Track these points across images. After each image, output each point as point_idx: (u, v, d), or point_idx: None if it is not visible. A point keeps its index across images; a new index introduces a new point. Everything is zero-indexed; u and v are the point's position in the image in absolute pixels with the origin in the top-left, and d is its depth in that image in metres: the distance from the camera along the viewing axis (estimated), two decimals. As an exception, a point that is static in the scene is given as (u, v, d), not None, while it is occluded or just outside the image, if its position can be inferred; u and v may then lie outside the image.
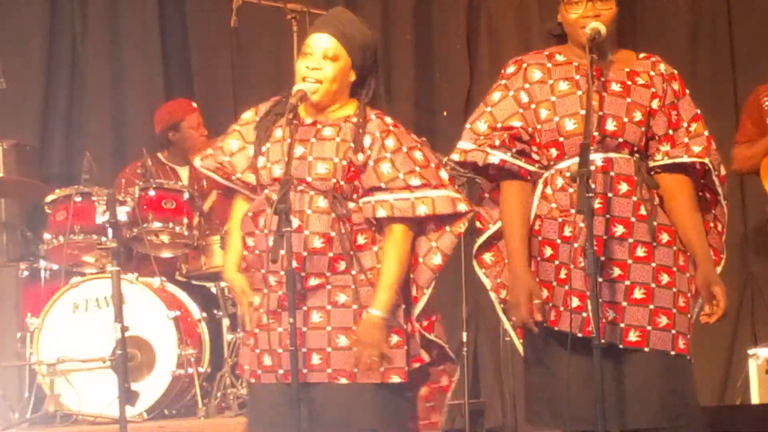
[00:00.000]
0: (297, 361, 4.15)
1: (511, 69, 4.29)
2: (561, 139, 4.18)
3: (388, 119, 4.37)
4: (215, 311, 6.44)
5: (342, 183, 4.29)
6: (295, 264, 4.16)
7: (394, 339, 4.27)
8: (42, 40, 7.80)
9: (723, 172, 4.25)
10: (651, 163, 4.25)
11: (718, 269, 4.28)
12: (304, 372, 4.23)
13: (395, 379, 4.26)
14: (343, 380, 4.24)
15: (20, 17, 7.78)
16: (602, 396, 3.96)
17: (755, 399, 6.16)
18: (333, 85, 4.31)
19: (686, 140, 4.23)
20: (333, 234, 4.27)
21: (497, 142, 4.17)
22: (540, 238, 4.23)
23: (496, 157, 4.17)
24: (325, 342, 4.27)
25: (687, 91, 4.30)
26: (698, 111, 4.29)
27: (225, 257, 4.52)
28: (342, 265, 4.29)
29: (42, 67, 7.80)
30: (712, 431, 5.25)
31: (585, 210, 3.96)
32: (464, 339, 6.18)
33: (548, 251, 4.22)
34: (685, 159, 4.22)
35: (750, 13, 7.07)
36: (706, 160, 4.21)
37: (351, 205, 4.33)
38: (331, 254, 4.28)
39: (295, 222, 4.19)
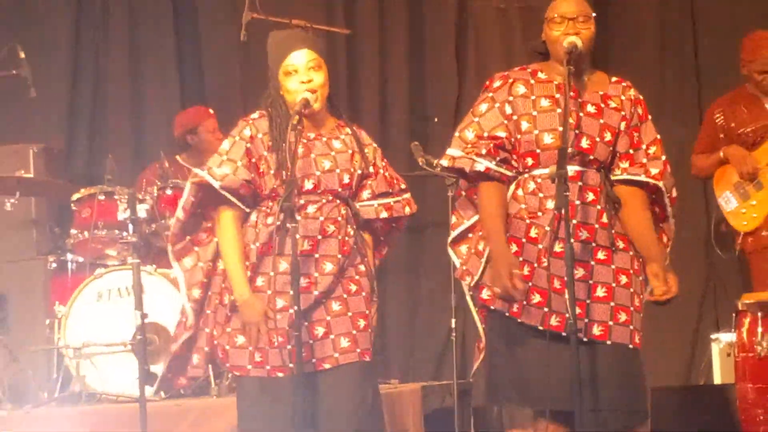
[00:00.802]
0: (300, 346, 4.14)
1: (497, 83, 4.27)
2: (538, 150, 4.18)
3: (365, 135, 4.53)
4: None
5: (353, 190, 4.40)
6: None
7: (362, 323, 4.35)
8: (68, 53, 7.79)
9: (674, 194, 4.30)
10: (612, 177, 4.25)
11: None
12: (335, 356, 4.26)
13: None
14: (367, 358, 4.31)
15: (48, 32, 7.75)
16: (578, 377, 3.97)
17: (717, 380, 6.18)
18: (325, 90, 4.37)
19: (645, 161, 4.25)
20: (348, 239, 4.37)
21: (483, 151, 4.17)
22: (507, 234, 4.21)
23: (482, 165, 4.17)
24: (349, 326, 4.29)
25: (650, 117, 4.32)
26: (658, 135, 4.31)
27: (237, 278, 4.33)
28: (353, 260, 4.38)
29: (68, 78, 7.78)
30: (679, 409, 5.26)
31: (563, 207, 3.96)
32: (453, 325, 6.16)
33: (513, 248, 4.19)
34: (643, 178, 4.25)
35: (713, 27, 7.06)
36: (661, 183, 4.25)
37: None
38: (349, 255, 4.37)
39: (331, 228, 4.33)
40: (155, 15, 7.74)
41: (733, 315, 5.12)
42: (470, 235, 4.33)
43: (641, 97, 4.31)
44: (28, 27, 7.62)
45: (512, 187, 4.23)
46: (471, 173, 4.20)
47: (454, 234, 4.35)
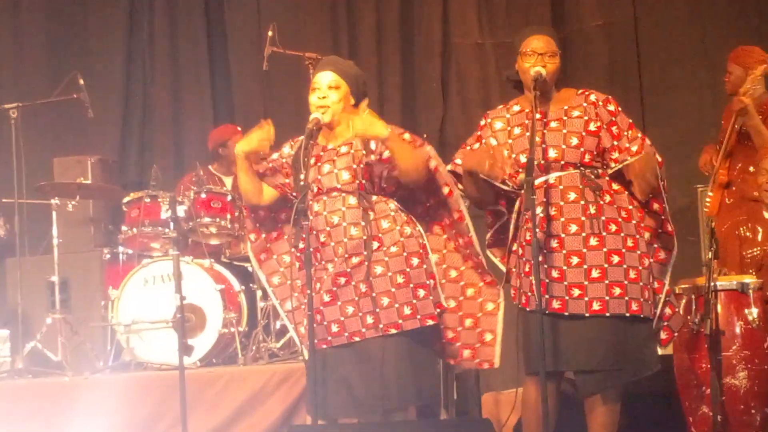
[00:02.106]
0: (312, 326, 4.14)
1: (482, 123, 4.38)
2: (519, 169, 4.22)
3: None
4: (251, 285, 6.40)
5: (364, 182, 4.32)
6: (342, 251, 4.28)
7: (421, 293, 4.27)
8: (120, 80, 7.79)
9: (659, 158, 4.24)
10: (609, 171, 4.25)
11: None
12: (363, 331, 4.23)
13: (429, 322, 4.27)
14: (393, 330, 4.23)
15: (104, 63, 7.76)
16: (542, 345, 4.02)
17: (659, 351, 6.11)
18: (338, 106, 4.34)
19: (627, 145, 4.24)
20: (363, 223, 4.29)
21: None
22: (510, 236, 4.32)
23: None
24: (372, 305, 4.25)
25: (620, 109, 4.30)
26: (630, 120, 4.31)
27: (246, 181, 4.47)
28: (374, 245, 4.28)
29: (120, 101, 7.79)
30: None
31: (531, 207, 4.01)
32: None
33: (516, 248, 4.29)
34: (629, 160, 4.24)
35: (655, 61, 7.04)
36: (641, 154, 4.20)
37: (373, 197, 4.36)
38: (364, 237, 4.27)
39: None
40: (193, 48, 7.74)
41: (672, 296, 5.10)
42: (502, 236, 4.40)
43: (609, 97, 4.31)
44: (86, 59, 7.63)
45: (516, 202, 4.28)
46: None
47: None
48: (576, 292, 4.13)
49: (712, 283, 4.70)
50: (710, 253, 4.67)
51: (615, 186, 4.24)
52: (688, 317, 4.83)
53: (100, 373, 6.08)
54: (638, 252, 4.20)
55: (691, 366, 4.84)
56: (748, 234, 5.30)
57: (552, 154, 4.19)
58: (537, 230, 4.06)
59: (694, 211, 6.43)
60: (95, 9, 7.81)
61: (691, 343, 4.84)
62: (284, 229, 4.56)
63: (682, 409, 4.96)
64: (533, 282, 4.09)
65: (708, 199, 5.93)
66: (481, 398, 5.75)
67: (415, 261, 4.29)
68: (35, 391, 5.86)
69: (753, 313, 4.81)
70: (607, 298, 4.14)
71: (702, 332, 4.73)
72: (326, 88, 4.33)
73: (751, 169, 5.77)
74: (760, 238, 5.28)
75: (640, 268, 4.19)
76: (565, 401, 4.31)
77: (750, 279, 4.89)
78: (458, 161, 4.35)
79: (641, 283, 4.17)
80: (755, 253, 5.27)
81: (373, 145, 4.35)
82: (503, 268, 4.40)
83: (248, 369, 5.75)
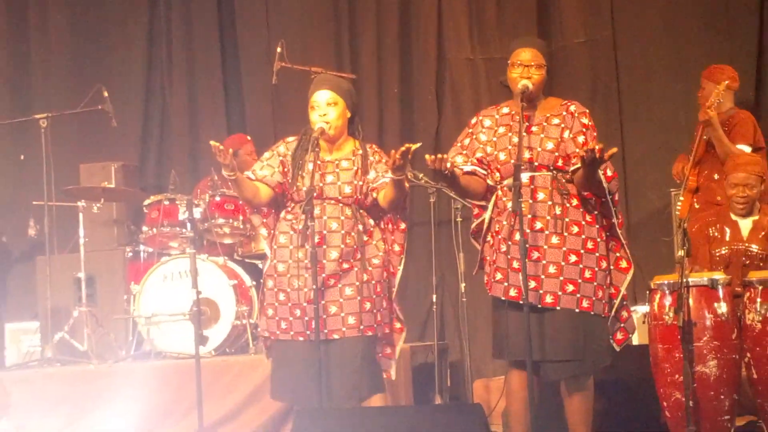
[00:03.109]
0: (318, 319, 4.17)
1: (473, 121, 4.39)
2: (499, 166, 4.24)
3: (375, 147, 4.49)
4: (261, 280, 6.39)
5: (359, 197, 4.35)
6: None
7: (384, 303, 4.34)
8: (141, 93, 7.77)
9: (610, 173, 4.22)
10: (569, 169, 4.24)
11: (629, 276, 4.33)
12: (342, 329, 4.25)
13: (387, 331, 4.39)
14: (370, 333, 4.30)
15: (126, 76, 7.74)
16: (528, 335, 4.03)
17: (636, 341, 6.10)
18: (338, 121, 4.36)
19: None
20: (354, 234, 4.33)
21: (475, 160, 4.28)
22: (490, 231, 4.30)
23: (469, 167, 4.27)
24: (357, 307, 4.28)
25: (593, 125, 4.32)
26: (601, 145, 4.25)
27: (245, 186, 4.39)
28: (358, 254, 4.32)
29: (141, 112, 7.77)
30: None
31: (517, 209, 4.02)
32: (434, 299, 6.16)
33: (490, 239, 4.29)
34: (577, 166, 4.19)
35: (632, 75, 7.04)
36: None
37: (361, 212, 4.39)
38: (355, 246, 4.31)
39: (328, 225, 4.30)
40: (207, 63, 7.72)
41: (647, 292, 5.11)
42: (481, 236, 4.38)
43: (586, 110, 4.32)
44: (110, 73, 7.61)
45: (493, 196, 4.29)
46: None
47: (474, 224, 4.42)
48: (532, 284, 4.14)
49: (685, 279, 4.70)
50: (683, 252, 4.69)
51: (585, 192, 4.25)
52: (662, 311, 4.85)
53: (122, 361, 6.12)
54: (597, 254, 4.21)
55: (665, 355, 4.84)
56: (716, 234, 5.31)
57: (526, 154, 4.20)
58: (522, 228, 4.06)
59: (669, 213, 6.44)
60: (118, 28, 7.80)
61: (665, 335, 4.84)
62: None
63: (657, 395, 4.97)
64: (504, 274, 4.13)
65: (679, 203, 5.97)
66: (473, 385, 5.78)
67: (385, 274, 4.38)
68: (63, 378, 5.89)
69: (722, 306, 4.82)
70: (559, 293, 4.15)
71: (675, 324, 4.74)
72: (325, 106, 4.34)
73: (716, 176, 5.85)
74: (727, 238, 5.30)
75: (596, 269, 4.20)
76: (546, 388, 4.32)
77: (719, 275, 4.90)
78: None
79: (596, 283, 4.19)
80: (723, 252, 5.29)
81: (372, 160, 4.39)
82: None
83: (258, 358, 5.74)
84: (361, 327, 4.27)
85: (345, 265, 4.30)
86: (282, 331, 4.33)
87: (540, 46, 4.35)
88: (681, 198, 5.95)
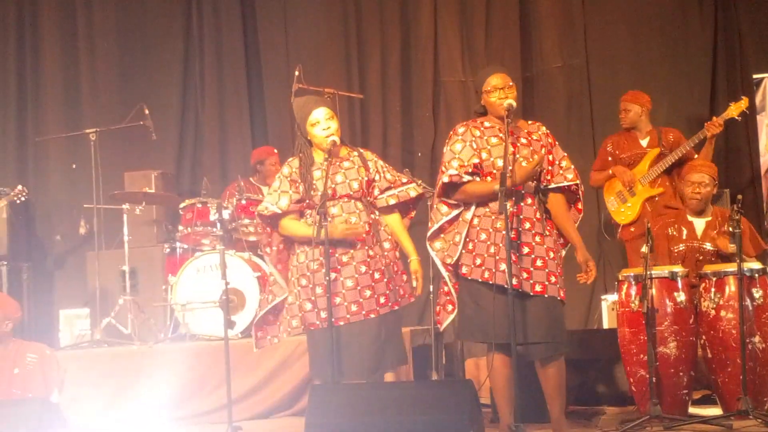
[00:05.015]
0: (330, 307, 4.16)
1: (461, 129, 4.31)
2: (495, 171, 4.22)
3: (368, 151, 4.50)
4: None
5: (365, 190, 4.37)
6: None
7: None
8: (177, 110, 7.74)
9: (582, 189, 4.32)
10: (542, 186, 4.26)
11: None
12: (347, 316, 4.25)
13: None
14: (373, 316, 4.29)
15: (164, 95, 7.72)
16: (513, 321, 4.01)
17: (606, 326, 6.15)
18: (338, 131, 4.36)
19: (561, 171, 4.28)
20: (371, 222, 4.37)
21: (469, 170, 4.22)
22: (477, 228, 4.23)
23: (469, 177, 4.20)
24: (357, 296, 4.29)
25: (556, 142, 4.35)
26: (565, 153, 4.35)
27: (305, 230, 4.30)
28: (375, 240, 4.36)
29: (178, 125, 7.75)
30: (581, 344, 5.26)
31: (504, 211, 4.01)
32: (431, 289, 6.14)
33: (483, 236, 4.22)
34: (564, 183, 4.29)
35: (603, 95, 7.03)
36: (578, 182, 4.28)
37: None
38: (372, 233, 4.35)
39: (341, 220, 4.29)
40: (235, 84, 7.69)
41: (616, 282, 5.12)
42: (442, 235, 4.33)
43: (549, 132, 4.35)
44: (150, 91, 7.59)
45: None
46: (459, 183, 4.21)
47: (431, 230, 4.34)
48: (524, 275, 4.17)
49: (649, 272, 4.74)
50: (647, 248, 4.71)
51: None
52: (629, 299, 4.87)
53: (161, 343, 6.11)
54: (561, 253, 4.30)
55: (631, 338, 4.86)
56: (675, 233, 5.33)
57: (524, 164, 4.20)
58: (510, 231, 4.09)
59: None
60: (157, 53, 7.79)
61: (631, 320, 4.86)
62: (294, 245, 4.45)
63: (625, 372, 4.99)
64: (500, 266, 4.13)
65: (623, 209, 6.09)
66: (465, 363, 5.77)
67: (397, 253, 4.43)
68: (110, 358, 5.91)
69: (681, 295, 4.84)
70: (546, 283, 4.18)
71: (640, 311, 4.77)
72: (325, 120, 4.34)
73: (667, 183, 6.01)
74: (684, 236, 5.31)
75: (561, 267, 4.25)
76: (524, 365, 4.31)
77: (678, 269, 4.92)
78: (452, 172, 4.22)
79: (563, 278, 4.24)
80: (681, 249, 5.30)
81: (371, 165, 4.40)
82: (438, 262, 4.30)
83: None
84: (390, 303, 4.31)
85: (371, 252, 4.31)
86: (322, 321, 4.27)
87: (505, 70, 4.34)
88: (628, 204, 6.05)
